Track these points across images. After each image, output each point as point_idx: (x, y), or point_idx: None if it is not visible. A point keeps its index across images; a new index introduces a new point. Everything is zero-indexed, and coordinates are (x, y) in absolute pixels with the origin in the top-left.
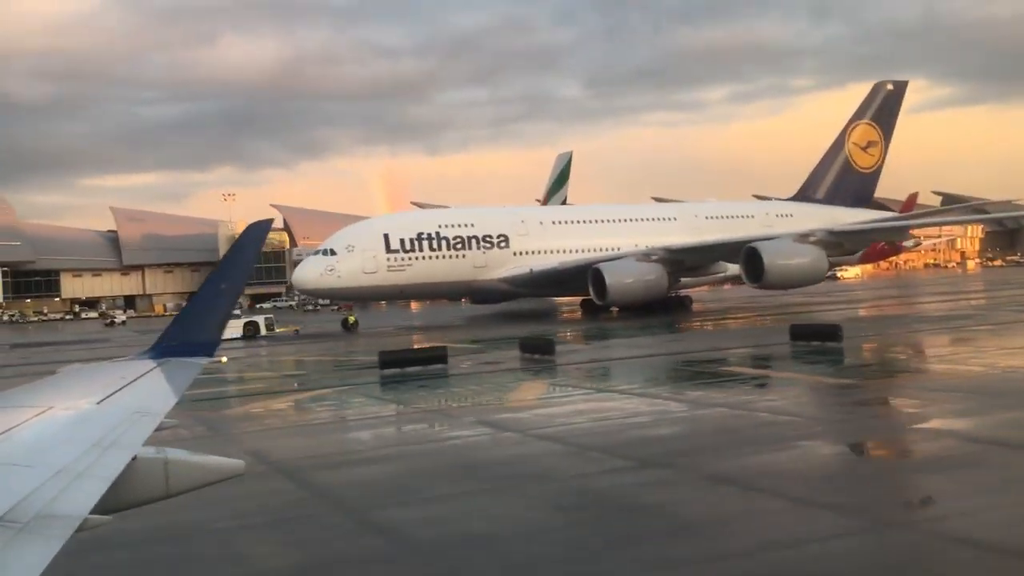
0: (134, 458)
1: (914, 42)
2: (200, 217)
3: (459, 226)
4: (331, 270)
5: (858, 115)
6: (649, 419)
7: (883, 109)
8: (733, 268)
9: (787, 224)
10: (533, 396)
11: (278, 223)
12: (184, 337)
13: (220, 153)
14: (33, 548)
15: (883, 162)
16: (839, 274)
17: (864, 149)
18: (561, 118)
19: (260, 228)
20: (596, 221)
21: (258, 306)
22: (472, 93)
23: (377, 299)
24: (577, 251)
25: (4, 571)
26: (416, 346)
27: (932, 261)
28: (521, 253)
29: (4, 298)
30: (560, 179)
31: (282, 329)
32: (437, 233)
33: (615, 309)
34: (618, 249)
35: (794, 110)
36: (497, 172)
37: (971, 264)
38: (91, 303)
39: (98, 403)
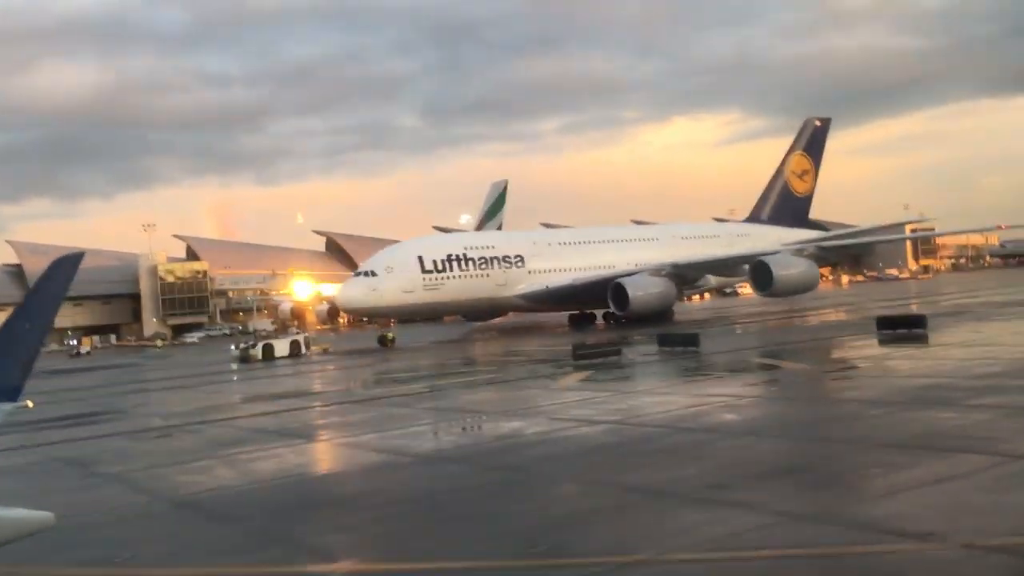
0: None
1: (730, 77)
2: (110, 250)
3: (482, 248)
4: (374, 290)
5: (793, 147)
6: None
7: (812, 141)
8: (713, 281)
9: (746, 243)
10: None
11: (180, 253)
12: None
13: (34, 185)
14: None
15: (814, 187)
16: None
17: (800, 176)
18: (398, 148)
19: (69, 263)
20: (594, 242)
21: (186, 336)
22: (306, 123)
23: (414, 316)
24: (582, 269)
25: None
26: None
27: None
28: (534, 272)
29: None
30: (496, 206)
31: (316, 347)
32: (464, 255)
33: (600, 323)
34: (613, 267)
35: (626, 140)
36: (332, 201)
37: (845, 279)
38: None
39: None
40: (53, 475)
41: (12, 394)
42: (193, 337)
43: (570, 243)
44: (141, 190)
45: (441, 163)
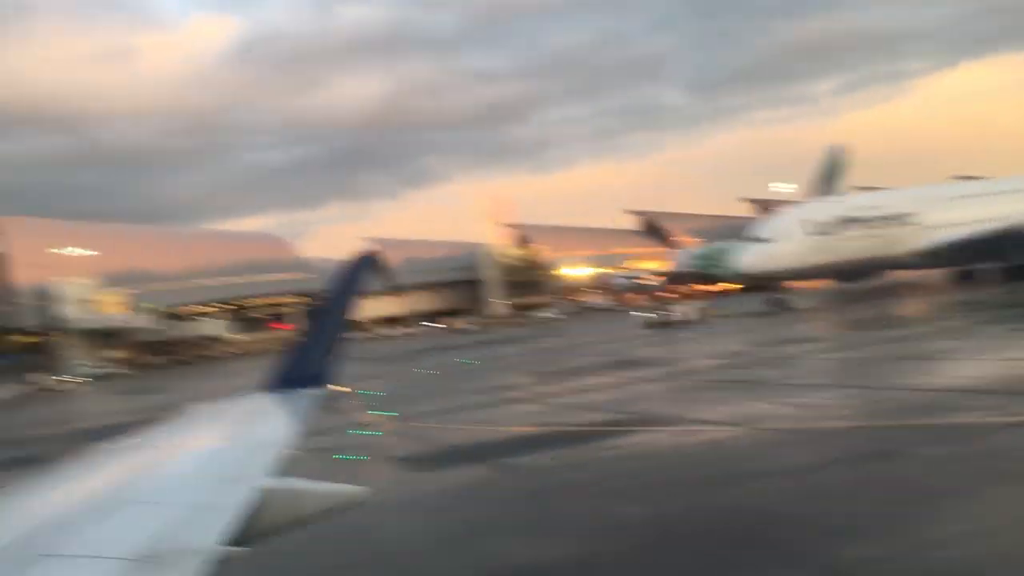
0: (261, 489)
1: None
2: (448, 240)
3: (870, 208)
4: (770, 256)
5: None
6: None
7: None
8: None
9: None
10: None
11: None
12: (300, 369)
13: (330, 191)
14: None
15: None
16: None
17: None
18: (665, 125)
19: (368, 259)
20: (985, 195)
21: (546, 313)
22: (573, 109)
23: (806, 278)
24: (977, 222)
25: None
26: None
27: None
28: (928, 227)
29: None
30: (833, 171)
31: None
32: (854, 216)
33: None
34: (1009, 219)
35: (911, 93)
36: (606, 184)
37: None
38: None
39: (223, 439)
40: (752, 391)
41: (323, 380)
42: (549, 314)
43: (960, 197)
44: (422, 188)
45: (712, 136)
